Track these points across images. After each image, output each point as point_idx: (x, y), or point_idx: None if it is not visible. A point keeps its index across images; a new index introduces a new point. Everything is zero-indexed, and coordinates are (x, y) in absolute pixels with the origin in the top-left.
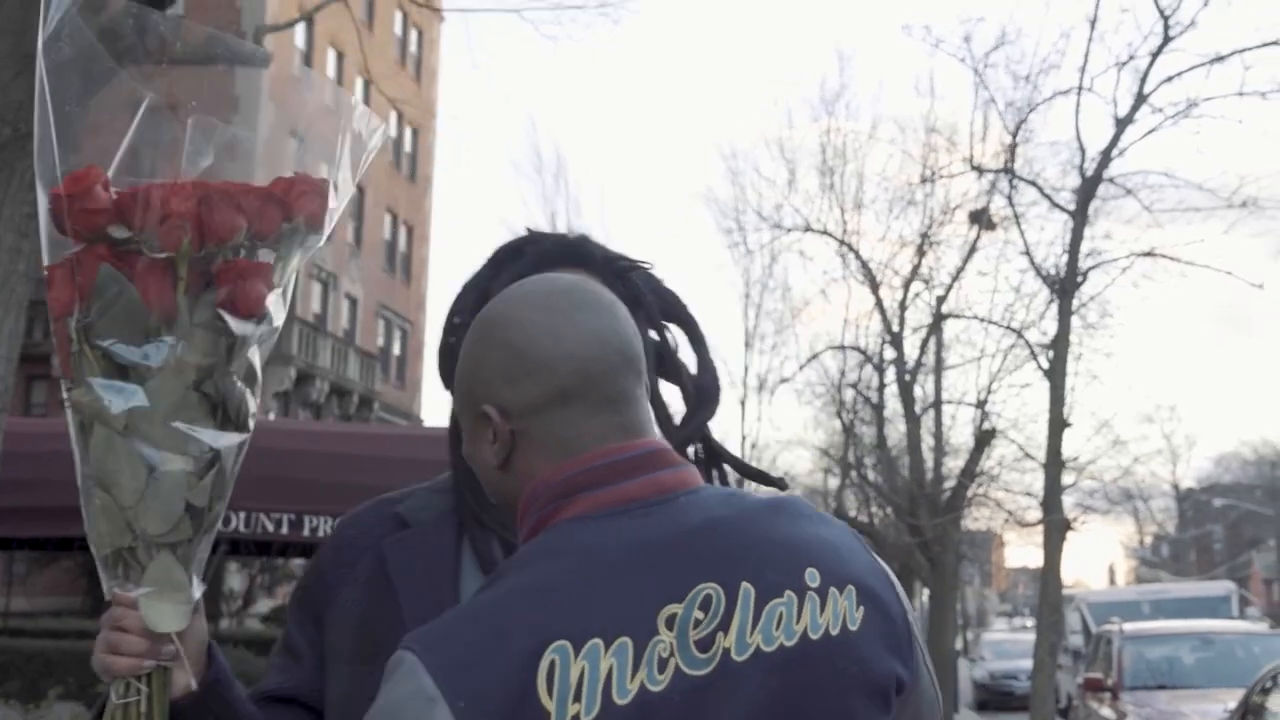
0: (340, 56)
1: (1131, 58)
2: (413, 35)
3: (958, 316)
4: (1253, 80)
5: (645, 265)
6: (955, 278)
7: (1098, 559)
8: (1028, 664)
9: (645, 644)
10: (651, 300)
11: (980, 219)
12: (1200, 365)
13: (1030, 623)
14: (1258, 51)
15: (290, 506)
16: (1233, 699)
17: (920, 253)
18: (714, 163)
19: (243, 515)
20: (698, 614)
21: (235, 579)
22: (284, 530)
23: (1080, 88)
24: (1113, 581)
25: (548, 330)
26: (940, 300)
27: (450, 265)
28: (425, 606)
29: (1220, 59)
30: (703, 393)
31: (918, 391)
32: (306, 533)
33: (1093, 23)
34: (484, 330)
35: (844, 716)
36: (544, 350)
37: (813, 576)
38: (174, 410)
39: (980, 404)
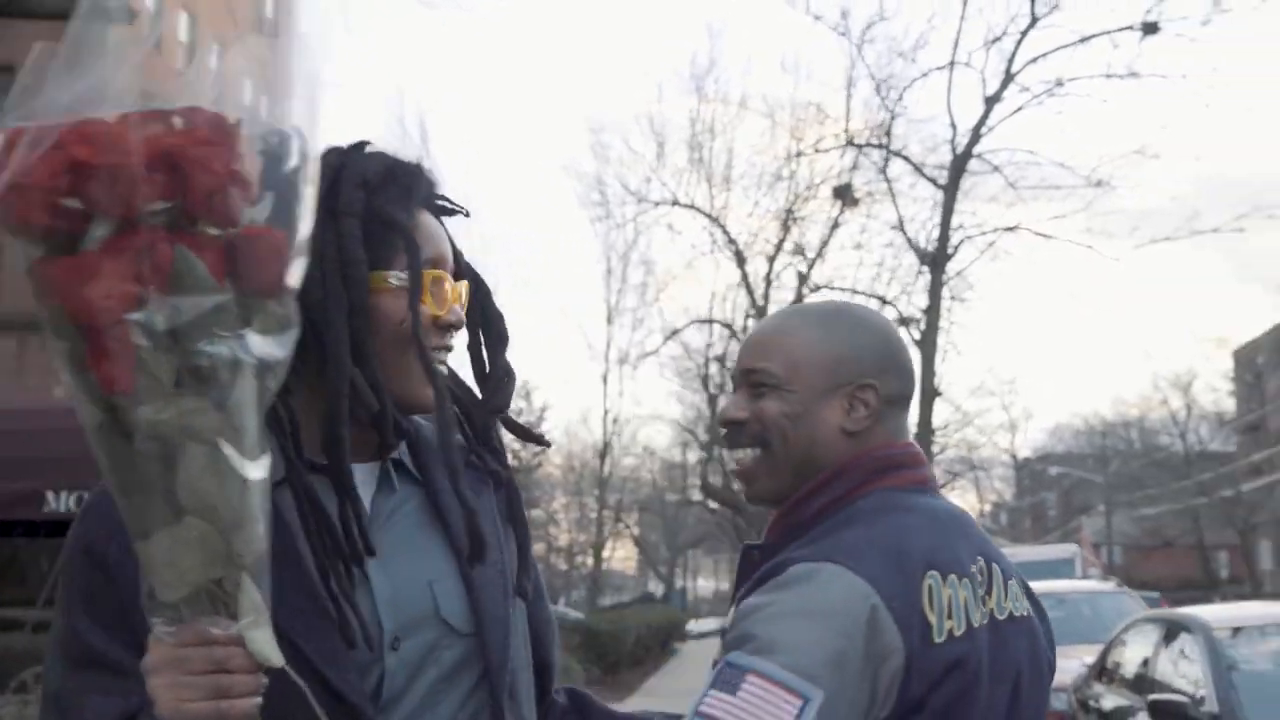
0: (193, 20)
1: (997, 39)
2: None
3: (822, 288)
4: (1117, 62)
5: (463, 211)
6: (819, 251)
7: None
8: None
9: (973, 586)
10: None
11: (844, 194)
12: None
13: None
14: (1121, 35)
15: None
16: (1087, 654)
17: (785, 227)
18: (581, 135)
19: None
20: (979, 576)
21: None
22: None
23: (953, 63)
24: None
25: (905, 345)
26: (803, 277)
27: None
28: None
29: (1086, 39)
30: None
31: None
32: None
33: (964, 1)
34: (859, 320)
35: (1047, 680)
36: (904, 359)
37: (1007, 568)
38: (256, 409)
39: None
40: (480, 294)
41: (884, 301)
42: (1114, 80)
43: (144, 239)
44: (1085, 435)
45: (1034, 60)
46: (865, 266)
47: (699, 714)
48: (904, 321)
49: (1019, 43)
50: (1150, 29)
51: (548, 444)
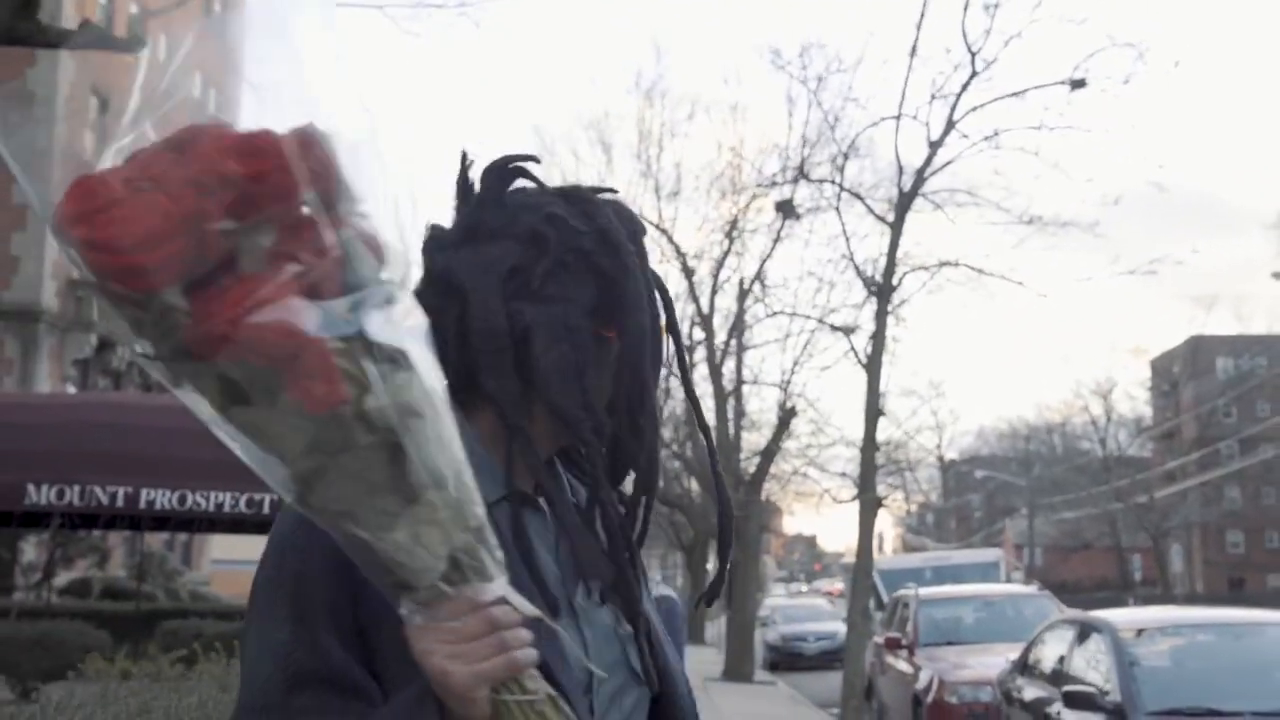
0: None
1: (934, 97)
2: None
3: (763, 301)
4: (1051, 112)
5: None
6: (761, 264)
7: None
8: (815, 627)
9: None
10: None
11: (787, 209)
12: (966, 343)
13: (805, 588)
14: (1055, 90)
15: (125, 480)
16: (1010, 651)
17: (730, 239)
18: (528, 141)
19: (76, 489)
20: None
21: (31, 551)
22: (119, 504)
23: (899, 115)
24: (881, 549)
25: None
26: (745, 291)
27: None
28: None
29: (1019, 93)
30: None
31: (727, 372)
32: (143, 505)
33: (911, 55)
34: None
35: None
36: None
37: None
38: (437, 365)
39: (784, 385)
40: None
41: (821, 321)
42: (1044, 131)
43: (309, 234)
44: (1010, 439)
45: (974, 109)
46: (805, 280)
47: None
48: (852, 347)
49: (959, 95)
50: (1078, 84)
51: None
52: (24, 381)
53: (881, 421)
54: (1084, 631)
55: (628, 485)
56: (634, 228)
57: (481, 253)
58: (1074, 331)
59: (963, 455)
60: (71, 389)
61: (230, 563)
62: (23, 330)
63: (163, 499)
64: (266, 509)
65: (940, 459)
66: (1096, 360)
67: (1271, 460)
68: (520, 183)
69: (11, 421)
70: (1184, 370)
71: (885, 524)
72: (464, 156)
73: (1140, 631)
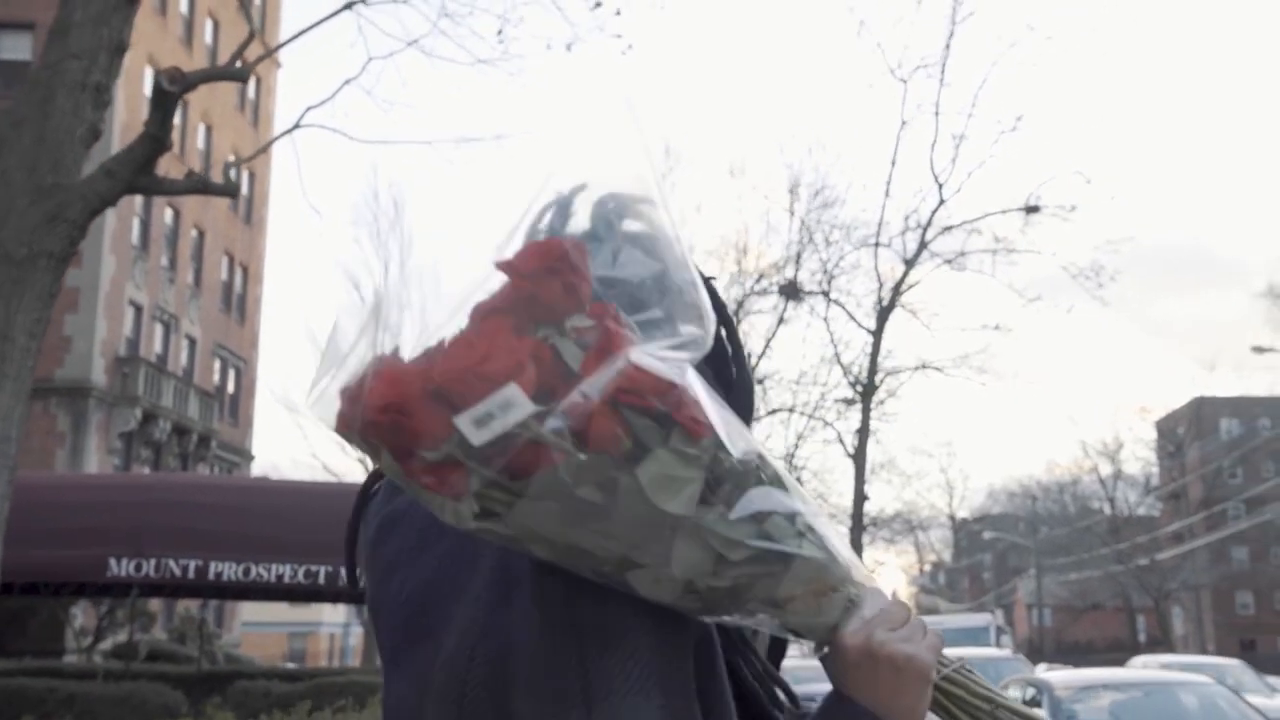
0: (184, 103)
1: (906, 229)
2: (251, 82)
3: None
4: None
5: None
6: (767, 343)
7: (882, 587)
8: (820, 688)
9: None
10: None
11: (789, 291)
12: (975, 403)
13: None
14: (1011, 218)
15: (196, 554)
16: None
17: (736, 319)
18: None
19: (152, 562)
20: None
21: (81, 616)
22: (190, 575)
23: (877, 243)
24: None
25: None
26: (751, 370)
27: (280, 304)
28: None
29: (983, 217)
30: None
31: None
32: (211, 576)
33: (886, 191)
34: None
35: None
36: None
37: None
38: None
39: (789, 457)
40: None
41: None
42: (1001, 253)
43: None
44: (1020, 498)
45: (944, 231)
46: (807, 358)
47: None
48: (840, 440)
49: (929, 221)
50: (1032, 210)
51: None
52: (75, 453)
53: (893, 480)
54: (1031, 690)
55: None
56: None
57: None
58: (1079, 391)
59: (974, 514)
60: (116, 460)
61: (258, 625)
62: (74, 405)
63: (229, 571)
64: (322, 579)
65: (951, 518)
66: (1102, 419)
67: (1277, 521)
68: None
69: (94, 500)
70: (1189, 431)
71: (899, 583)
72: None
73: (1078, 688)
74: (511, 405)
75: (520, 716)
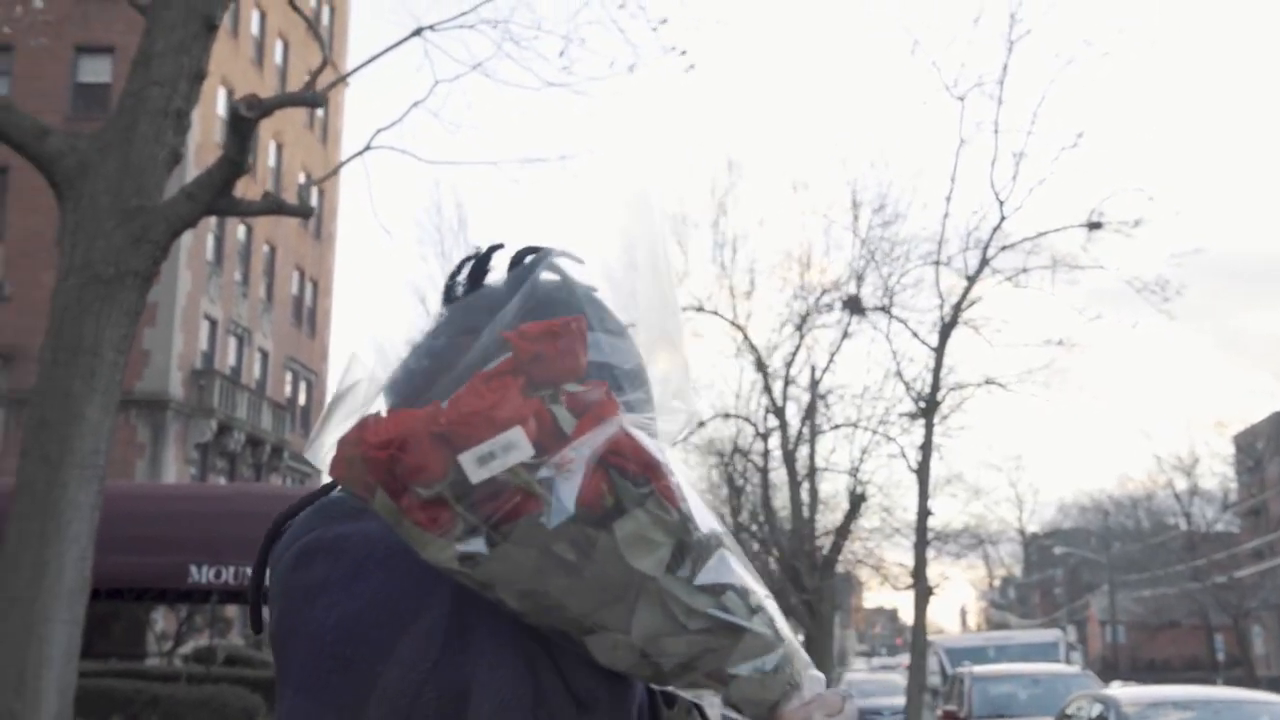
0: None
1: (967, 247)
2: None
3: (830, 393)
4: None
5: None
6: (831, 357)
7: (951, 601)
8: (889, 701)
9: None
10: None
11: (853, 305)
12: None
13: (889, 661)
14: (1073, 234)
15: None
16: None
17: (801, 334)
18: (611, 243)
19: (231, 569)
20: None
21: (161, 621)
22: (267, 582)
23: (938, 261)
24: (964, 623)
25: None
26: (816, 382)
27: (349, 316)
28: None
29: (1042, 234)
30: None
31: (801, 458)
32: None
33: (946, 210)
34: None
35: None
36: None
37: None
38: None
39: (854, 471)
40: None
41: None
42: (1062, 269)
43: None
44: (1091, 513)
45: (1004, 248)
46: (872, 372)
47: None
48: (903, 454)
49: (990, 237)
50: (1095, 226)
51: None
52: (153, 463)
53: (961, 494)
54: (1098, 707)
55: None
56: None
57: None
58: (1152, 404)
59: (1044, 529)
60: (193, 470)
61: None
62: (153, 417)
63: None
64: None
65: (1021, 532)
66: (1177, 434)
67: None
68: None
69: (174, 510)
70: (1269, 446)
71: (969, 598)
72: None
73: (1144, 705)
74: (513, 446)
75: None
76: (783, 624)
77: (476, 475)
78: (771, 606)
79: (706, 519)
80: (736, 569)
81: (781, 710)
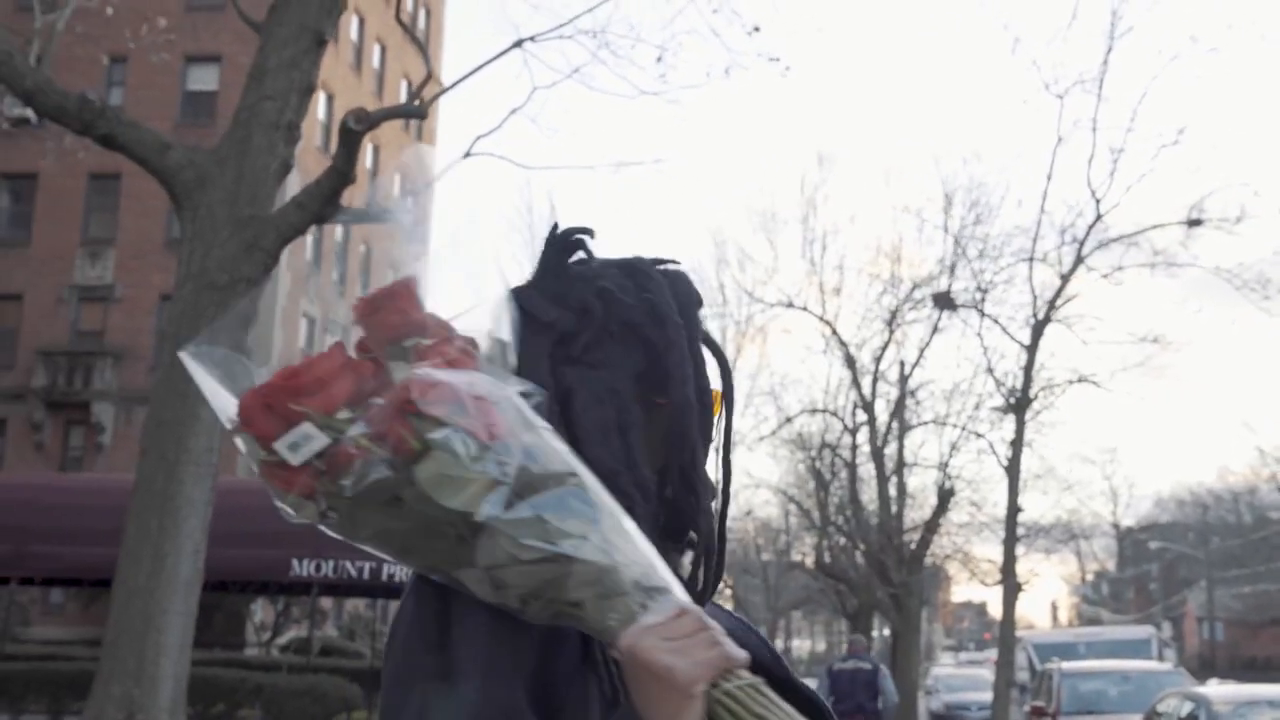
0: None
1: (1062, 243)
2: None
3: (921, 387)
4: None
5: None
6: (920, 353)
7: (1042, 596)
8: (977, 696)
9: None
10: None
11: (943, 301)
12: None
13: (976, 656)
14: (1171, 230)
15: (371, 556)
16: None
17: (890, 329)
18: (702, 241)
19: (331, 563)
20: None
21: (260, 612)
22: (365, 576)
23: (1032, 258)
24: (1055, 618)
25: None
26: (906, 378)
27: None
28: None
29: (1141, 231)
30: None
31: (889, 453)
32: (384, 577)
33: (1042, 207)
34: None
35: None
36: None
37: None
38: None
39: (943, 466)
40: None
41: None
42: (1159, 267)
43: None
44: (1190, 506)
45: (1099, 246)
46: (962, 368)
47: None
48: (993, 450)
49: (1085, 235)
50: (1195, 223)
51: None
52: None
53: (1052, 487)
54: (1189, 705)
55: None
56: (687, 300)
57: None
58: (1254, 397)
59: (1140, 523)
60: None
61: None
62: None
63: (401, 572)
64: None
65: (1115, 526)
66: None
67: None
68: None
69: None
70: None
71: (1061, 593)
72: (553, 230)
73: (1234, 704)
74: (311, 438)
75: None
76: (633, 551)
77: (295, 459)
78: (622, 536)
79: (554, 457)
80: (572, 503)
81: (616, 635)
